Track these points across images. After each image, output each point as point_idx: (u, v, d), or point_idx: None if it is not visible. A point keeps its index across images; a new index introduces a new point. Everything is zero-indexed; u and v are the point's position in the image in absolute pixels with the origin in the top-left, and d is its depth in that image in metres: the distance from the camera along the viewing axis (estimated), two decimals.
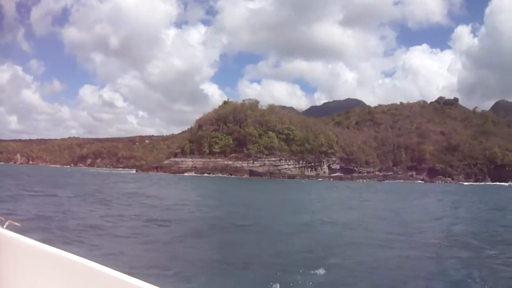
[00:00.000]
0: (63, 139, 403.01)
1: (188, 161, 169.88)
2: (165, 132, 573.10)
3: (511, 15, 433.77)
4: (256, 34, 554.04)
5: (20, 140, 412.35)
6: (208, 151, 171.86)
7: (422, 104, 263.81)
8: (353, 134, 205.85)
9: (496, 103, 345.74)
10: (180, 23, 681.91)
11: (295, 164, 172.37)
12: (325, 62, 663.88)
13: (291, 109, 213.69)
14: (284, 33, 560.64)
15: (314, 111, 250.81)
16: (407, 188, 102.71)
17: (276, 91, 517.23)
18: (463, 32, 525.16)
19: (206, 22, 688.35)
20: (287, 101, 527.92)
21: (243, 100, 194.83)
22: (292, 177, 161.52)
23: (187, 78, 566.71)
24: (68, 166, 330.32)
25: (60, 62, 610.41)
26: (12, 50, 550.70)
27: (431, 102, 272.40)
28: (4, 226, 4.83)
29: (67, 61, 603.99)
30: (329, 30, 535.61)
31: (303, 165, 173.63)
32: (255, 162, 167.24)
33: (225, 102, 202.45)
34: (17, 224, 4.97)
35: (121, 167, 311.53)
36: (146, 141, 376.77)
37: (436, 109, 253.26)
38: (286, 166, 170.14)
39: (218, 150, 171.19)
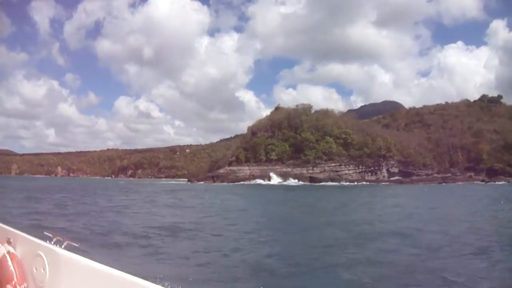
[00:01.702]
0: (102, 151, 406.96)
1: (245, 170, 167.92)
2: (202, 140, 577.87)
3: None
4: (290, 39, 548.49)
5: (59, 153, 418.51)
6: (264, 158, 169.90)
7: (468, 103, 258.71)
8: (406, 136, 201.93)
9: None
10: (213, 31, 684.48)
11: (355, 169, 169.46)
12: (361, 64, 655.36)
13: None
14: (318, 37, 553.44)
15: (351, 115, 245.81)
16: (495, 191, 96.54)
17: (312, 96, 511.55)
18: (498, 26, 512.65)
19: (238, 29, 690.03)
20: (323, 105, 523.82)
21: (296, 105, 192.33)
22: (352, 182, 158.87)
23: (222, 85, 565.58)
24: (109, 178, 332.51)
25: (95, 75, 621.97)
26: (47, 65, 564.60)
27: (474, 101, 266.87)
28: (63, 247, 4.87)
29: (101, 73, 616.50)
30: (363, 31, 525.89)
31: (363, 169, 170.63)
32: (314, 169, 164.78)
33: (276, 108, 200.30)
34: (75, 244, 5.05)
35: (162, 177, 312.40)
36: (187, 150, 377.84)
37: (482, 108, 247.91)
38: (346, 172, 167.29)
39: (275, 157, 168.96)
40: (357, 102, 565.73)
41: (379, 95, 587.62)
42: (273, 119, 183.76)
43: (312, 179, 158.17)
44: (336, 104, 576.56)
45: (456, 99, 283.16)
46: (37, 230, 6.87)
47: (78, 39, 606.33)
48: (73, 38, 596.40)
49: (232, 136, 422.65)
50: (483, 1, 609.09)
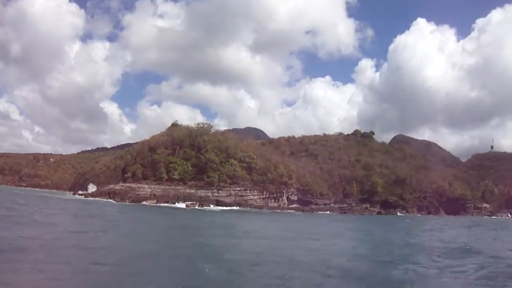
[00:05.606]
0: None
1: (146, 188, 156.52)
2: (61, 150, 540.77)
3: (411, 53, 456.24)
4: (162, 54, 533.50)
5: None
6: (166, 177, 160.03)
7: (344, 137, 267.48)
8: (300, 164, 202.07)
9: (395, 137, 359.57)
10: (85, 37, 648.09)
11: (259, 195, 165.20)
12: (229, 88, 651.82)
13: None
14: (190, 55, 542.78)
15: (251, 138, 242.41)
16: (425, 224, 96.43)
17: (176, 114, 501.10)
18: (367, 65, 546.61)
19: (111, 38, 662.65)
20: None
21: (197, 124, 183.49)
22: (258, 208, 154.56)
23: (87, 94, 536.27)
24: None
25: None
26: None
27: (348, 135, 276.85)
28: None
29: None
30: (237, 55, 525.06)
31: (267, 196, 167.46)
32: (220, 192, 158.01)
33: (173, 125, 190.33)
34: None
35: (24, 186, 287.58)
36: (51, 159, 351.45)
37: (358, 142, 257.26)
38: (252, 197, 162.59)
39: (178, 177, 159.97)
40: (220, 125, 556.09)
41: (243, 121, 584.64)
42: (173, 135, 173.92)
43: (218, 203, 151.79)
44: None
45: (318, 131, 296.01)
46: None
47: None
48: None
49: (94, 148, 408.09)
50: (359, 40, 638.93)
